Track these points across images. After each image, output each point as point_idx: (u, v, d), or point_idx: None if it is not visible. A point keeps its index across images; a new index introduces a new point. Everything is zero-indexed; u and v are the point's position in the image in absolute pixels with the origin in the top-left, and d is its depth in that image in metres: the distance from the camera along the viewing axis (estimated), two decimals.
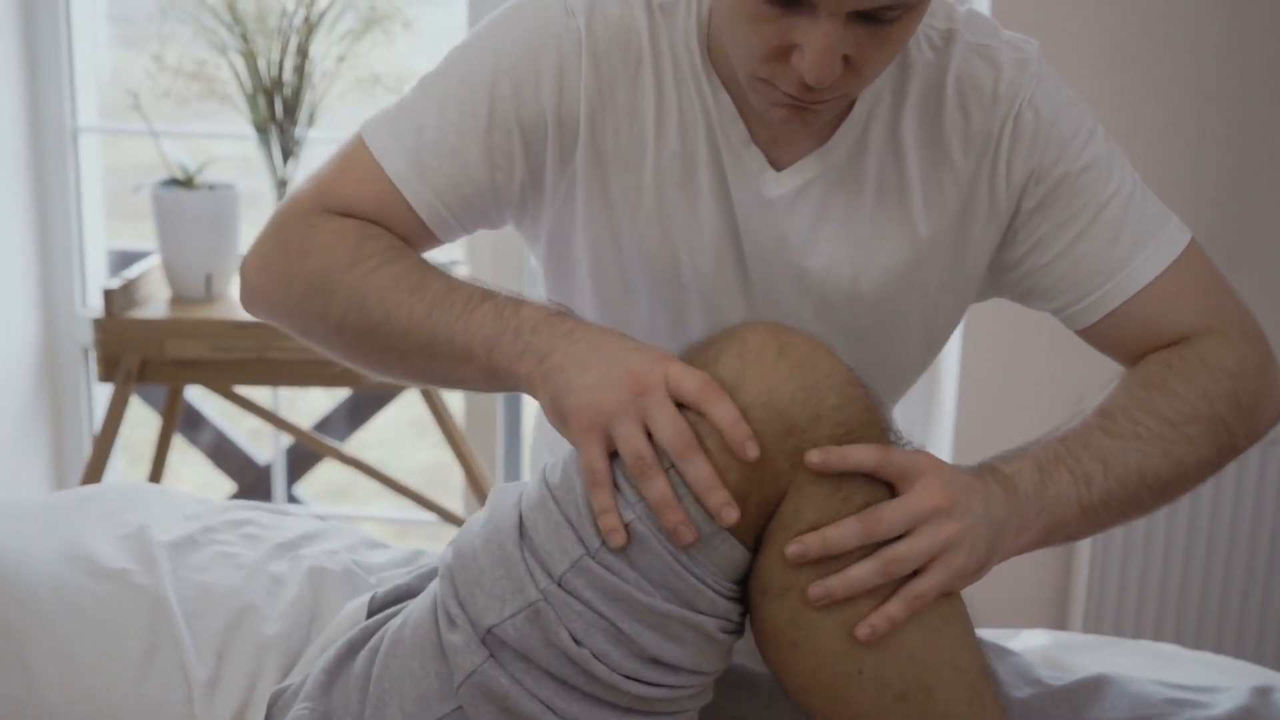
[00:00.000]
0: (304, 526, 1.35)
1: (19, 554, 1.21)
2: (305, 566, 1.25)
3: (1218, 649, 2.23)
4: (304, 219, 1.13)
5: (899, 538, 0.99)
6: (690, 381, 0.97)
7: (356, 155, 1.15)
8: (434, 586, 1.05)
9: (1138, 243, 1.15)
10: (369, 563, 1.30)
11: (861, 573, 0.98)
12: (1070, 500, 1.08)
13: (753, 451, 0.96)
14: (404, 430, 4.13)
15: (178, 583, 1.21)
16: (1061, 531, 1.09)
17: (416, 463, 4.04)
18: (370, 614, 1.14)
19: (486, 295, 1.07)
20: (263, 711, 1.12)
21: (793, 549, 0.97)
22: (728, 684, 1.17)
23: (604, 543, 0.97)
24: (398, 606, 1.12)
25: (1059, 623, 2.30)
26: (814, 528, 0.98)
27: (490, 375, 1.06)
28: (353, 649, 1.09)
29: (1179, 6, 2.09)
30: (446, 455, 4.09)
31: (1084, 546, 2.22)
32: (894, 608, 0.99)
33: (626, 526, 0.97)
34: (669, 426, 0.96)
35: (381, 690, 1.04)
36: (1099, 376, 2.20)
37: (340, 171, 1.15)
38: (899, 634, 0.99)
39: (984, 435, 2.24)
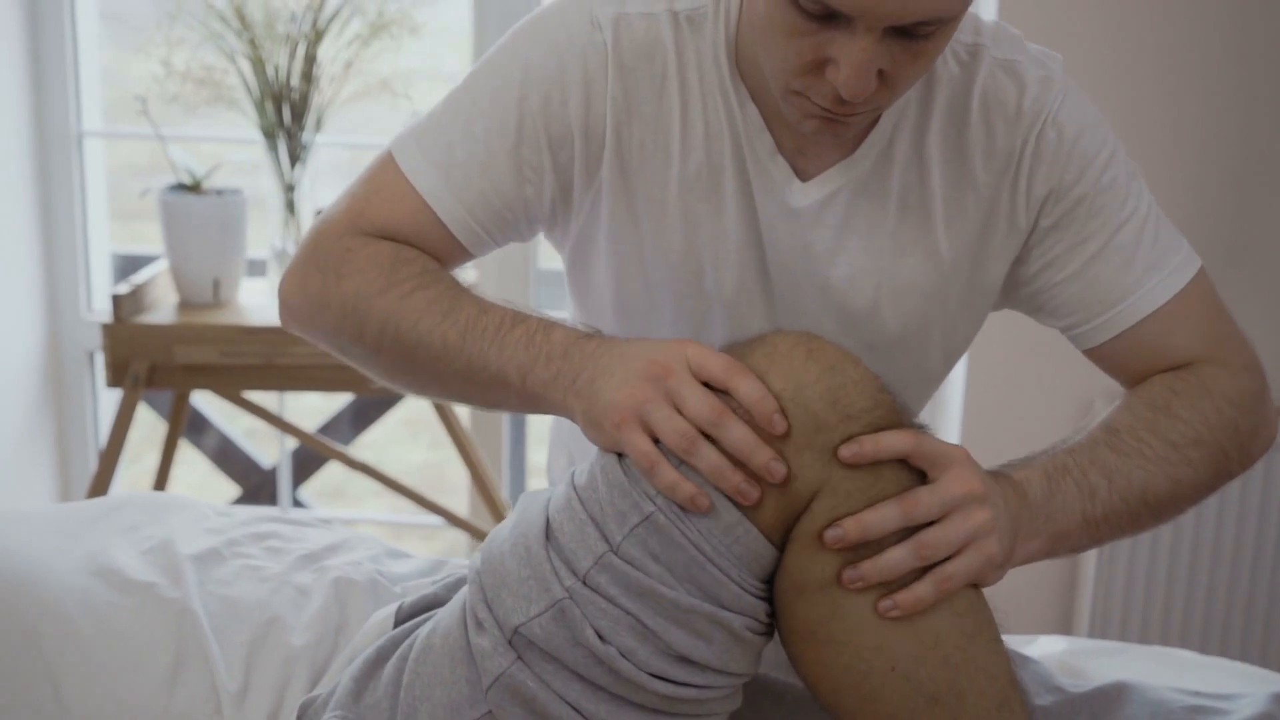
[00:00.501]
0: (327, 538, 1.36)
1: (45, 567, 1.22)
2: (330, 577, 1.26)
3: (1222, 654, 2.24)
4: (339, 240, 1.14)
5: (932, 524, 1.00)
6: (714, 362, 0.99)
7: (387, 174, 1.16)
8: (463, 593, 1.06)
9: (1151, 267, 1.17)
10: (393, 572, 1.31)
11: (895, 556, 0.99)
12: (1075, 511, 1.09)
13: (780, 425, 0.97)
14: (398, 431, 4.13)
15: (204, 596, 1.22)
16: (1064, 542, 1.10)
17: (411, 463, 4.05)
18: (397, 624, 1.15)
19: (518, 319, 1.08)
20: None
21: (831, 533, 0.98)
22: (751, 693, 1.17)
23: (634, 529, 0.98)
24: (425, 615, 1.13)
25: (1064, 628, 2.31)
26: None
27: (525, 400, 1.08)
28: (381, 657, 1.10)
29: (1182, 7, 2.10)
30: (440, 456, 4.10)
31: (1089, 553, 2.22)
32: (923, 588, 0.99)
33: (649, 517, 0.98)
34: (698, 401, 0.98)
35: (412, 697, 1.04)
36: (1104, 383, 2.21)
37: (372, 191, 1.16)
38: (934, 635, 1.00)
39: (990, 441, 2.25)
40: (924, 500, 0.99)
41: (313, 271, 1.14)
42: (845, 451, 0.98)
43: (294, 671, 1.18)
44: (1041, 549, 1.09)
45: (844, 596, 0.99)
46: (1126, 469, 1.12)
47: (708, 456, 0.97)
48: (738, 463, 0.97)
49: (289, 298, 1.16)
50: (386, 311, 1.10)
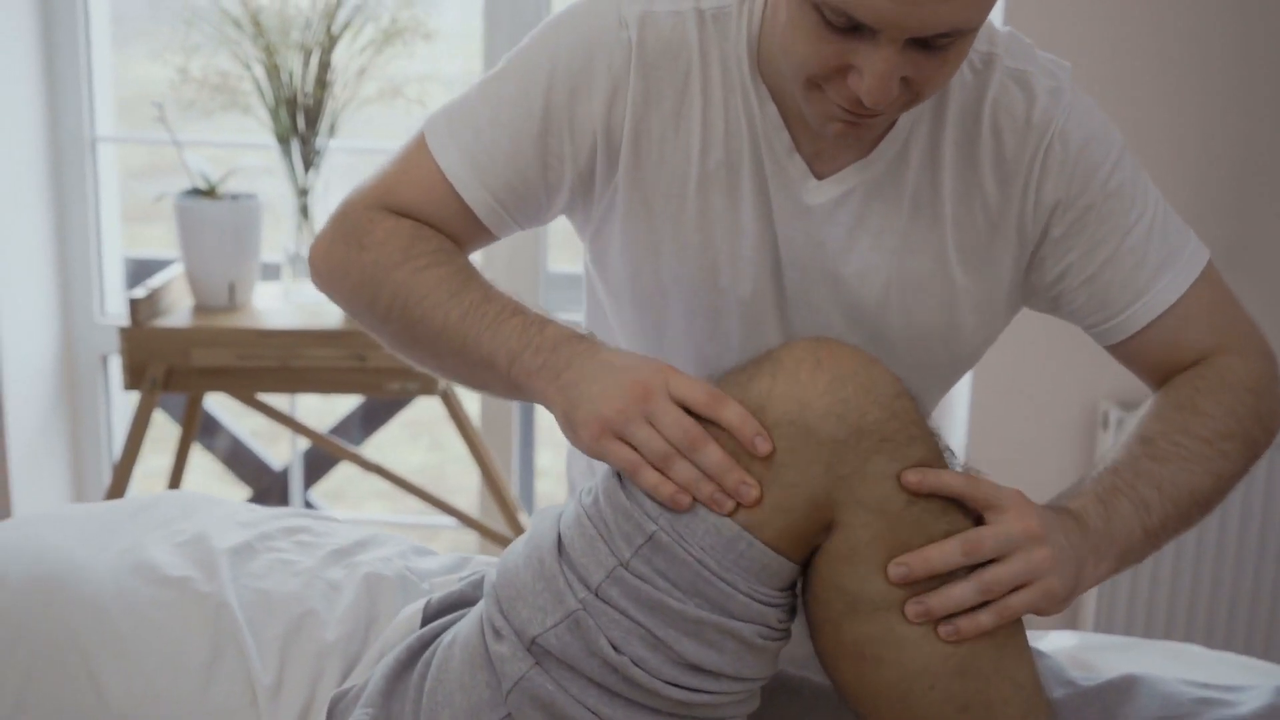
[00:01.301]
0: (356, 534, 1.38)
1: (81, 564, 1.23)
2: (361, 573, 1.28)
3: (1225, 648, 2.26)
4: (365, 212, 1.20)
5: (992, 562, 1.03)
6: (696, 392, 1.02)
7: (417, 154, 1.21)
8: (480, 607, 1.09)
9: (1162, 266, 1.20)
10: (420, 569, 1.32)
11: (960, 592, 1.02)
12: (1135, 527, 1.12)
13: (762, 447, 1.00)
14: (398, 433, 4.13)
15: (238, 589, 1.23)
16: (1130, 558, 1.13)
17: (410, 465, 4.05)
18: (425, 620, 1.17)
19: (517, 310, 1.13)
20: (324, 715, 1.15)
21: (896, 571, 1.01)
22: (768, 689, 1.19)
23: (640, 548, 1.01)
24: (454, 615, 1.16)
25: (1070, 623, 2.33)
26: (894, 545, 1.02)
27: (510, 386, 1.12)
28: (411, 658, 1.13)
29: (1184, 11, 2.13)
30: (439, 457, 4.10)
31: None
32: (985, 616, 1.02)
33: (652, 537, 1.00)
34: (675, 423, 1.01)
35: (434, 703, 1.07)
36: (1109, 387, 2.23)
37: (402, 170, 1.21)
38: (972, 652, 1.03)
39: (995, 445, 2.27)
40: (986, 539, 1.02)
41: (338, 240, 1.20)
42: (910, 478, 1.01)
43: (326, 665, 1.19)
44: (1110, 569, 1.12)
45: (898, 621, 1.02)
46: (1171, 475, 1.14)
47: (681, 470, 1.00)
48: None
49: (316, 262, 1.23)
50: (398, 284, 1.16)
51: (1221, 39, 2.13)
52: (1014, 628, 1.06)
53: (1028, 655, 1.07)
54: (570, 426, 1.06)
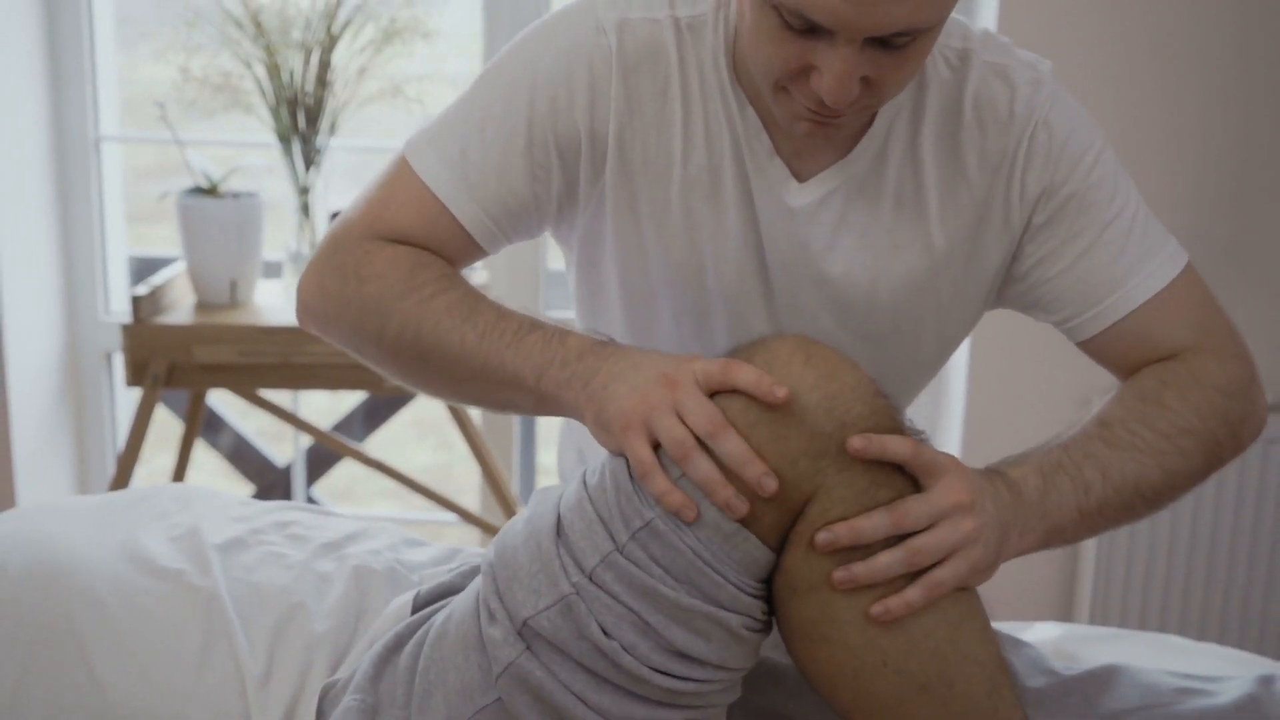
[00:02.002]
0: (347, 526, 1.39)
1: (79, 554, 1.25)
2: (351, 565, 1.29)
3: (1220, 641, 2.27)
4: (358, 244, 1.18)
5: (922, 531, 1.04)
6: (714, 366, 1.03)
7: (403, 178, 1.20)
8: (477, 583, 1.10)
9: (1139, 261, 1.20)
10: (410, 561, 1.34)
11: (886, 560, 1.03)
12: (1070, 506, 1.12)
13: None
14: (405, 432, 4.15)
15: (229, 582, 1.25)
16: (1060, 535, 1.14)
17: (416, 465, 4.07)
18: (414, 610, 1.19)
19: (534, 325, 1.13)
20: (313, 705, 1.17)
21: (822, 536, 1.02)
22: (754, 675, 1.21)
23: (636, 533, 1.02)
24: (441, 603, 1.17)
25: (1065, 615, 2.34)
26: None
27: (538, 401, 1.12)
28: (399, 643, 1.14)
29: (1182, 10, 2.13)
30: (446, 458, 4.12)
31: (1090, 541, 2.25)
32: (913, 593, 1.03)
33: (649, 523, 1.02)
34: (699, 411, 1.02)
35: (427, 681, 1.08)
36: (1103, 381, 2.24)
37: (389, 196, 1.20)
38: (922, 628, 1.04)
39: (991, 439, 2.28)
40: (914, 510, 1.03)
41: (331, 274, 1.18)
42: (855, 443, 1.01)
43: (315, 656, 1.21)
44: (1037, 542, 1.12)
45: (834, 597, 1.04)
46: (1120, 462, 1.15)
47: (701, 467, 1.01)
48: (733, 476, 1.01)
49: (308, 298, 1.20)
50: (408, 314, 1.15)
51: (1221, 38, 2.13)
52: (968, 606, 1.07)
53: (988, 633, 1.08)
54: (601, 428, 1.07)
